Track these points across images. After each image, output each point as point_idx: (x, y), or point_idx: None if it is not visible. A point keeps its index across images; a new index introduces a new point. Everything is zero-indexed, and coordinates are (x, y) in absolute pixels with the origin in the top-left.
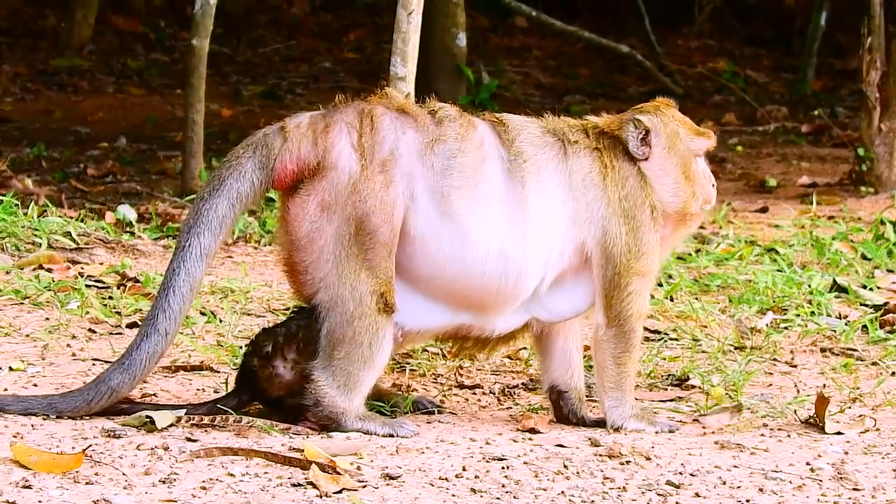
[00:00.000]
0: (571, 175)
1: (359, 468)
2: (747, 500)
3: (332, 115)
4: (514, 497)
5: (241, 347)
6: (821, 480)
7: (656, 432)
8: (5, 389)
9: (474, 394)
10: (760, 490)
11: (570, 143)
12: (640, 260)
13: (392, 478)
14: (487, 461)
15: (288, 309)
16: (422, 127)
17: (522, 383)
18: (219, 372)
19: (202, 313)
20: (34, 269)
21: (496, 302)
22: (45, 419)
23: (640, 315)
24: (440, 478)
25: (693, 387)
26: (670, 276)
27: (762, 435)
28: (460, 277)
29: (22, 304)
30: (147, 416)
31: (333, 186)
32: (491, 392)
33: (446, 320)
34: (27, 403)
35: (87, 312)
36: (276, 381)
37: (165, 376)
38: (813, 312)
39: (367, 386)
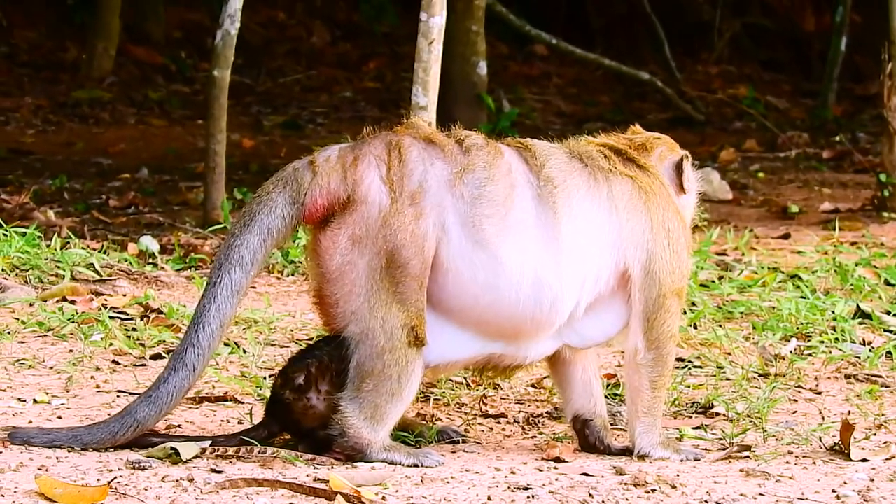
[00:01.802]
0: (613, 199)
1: (384, 498)
2: None
3: (361, 147)
4: None
5: (265, 378)
6: None
7: (681, 460)
8: (30, 422)
9: (499, 423)
10: None
11: (602, 168)
12: (682, 281)
13: None
14: (512, 490)
15: (311, 339)
16: (450, 157)
17: (547, 412)
18: (243, 403)
19: (226, 344)
20: (57, 302)
21: (530, 329)
22: (69, 451)
23: (676, 338)
24: None
25: (717, 414)
26: (694, 304)
27: (787, 462)
28: (494, 306)
29: (46, 336)
30: (172, 448)
31: (364, 220)
32: (515, 421)
33: (477, 350)
34: (52, 436)
35: (111, 344)
36: (310, 413)
37: (190, 408)
38: (837, 339)
39: (394, 418)
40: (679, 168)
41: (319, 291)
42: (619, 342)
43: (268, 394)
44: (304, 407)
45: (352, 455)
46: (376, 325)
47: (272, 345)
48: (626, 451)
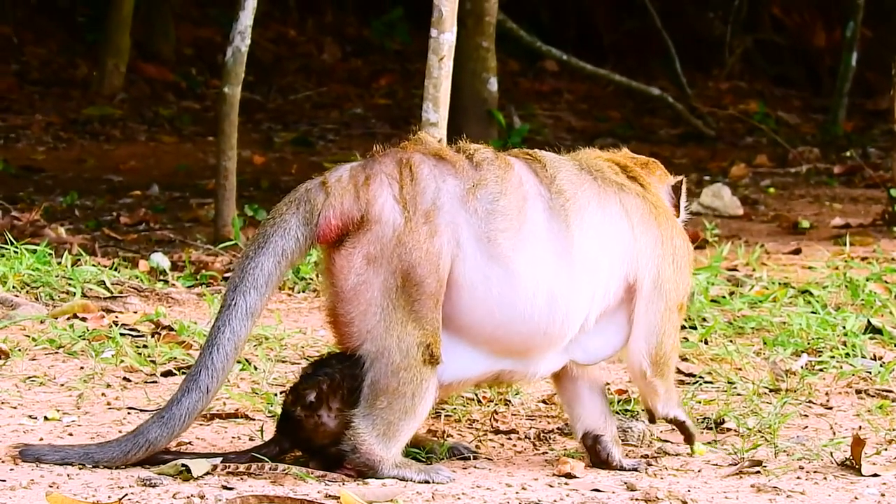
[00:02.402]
0: (626, 212)
1: None
2: None
3: (371, 166)
4: None
5: (276, 395)
6: None
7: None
8: (41, 439)
9: (510, 439)
10: None
11: (612, 181)
12: (685, 296)
13: None
14: None
15: (322, 356)
16: (461, 172)
17: (558, 428)
18: (254, 419)
19: (237, 361)
20: (68, 319)
21: (542, 344)
22: (80, 468)
23: (679, 348)
24: None
25: (728, 429)
26: (704, 319)
27: (798, 478)
28: (508, 321)
29: (56, 353)
30: (183, 465)
31: (378, 239)
32: (526, 437)
33: (489, 367)
34: (64, 453)
35: (122, 361)
36: (321, 430)
37: (201, 424)
38: (848, 354)
39: (406, 436)
40: (677, 191)
41: (333, 310)
42: (624, 357)
43: (279, 411)
44: (316, 424)
45: (363, 471)
46: (392, 344)
47: (283, 361)
48: (637, 468)
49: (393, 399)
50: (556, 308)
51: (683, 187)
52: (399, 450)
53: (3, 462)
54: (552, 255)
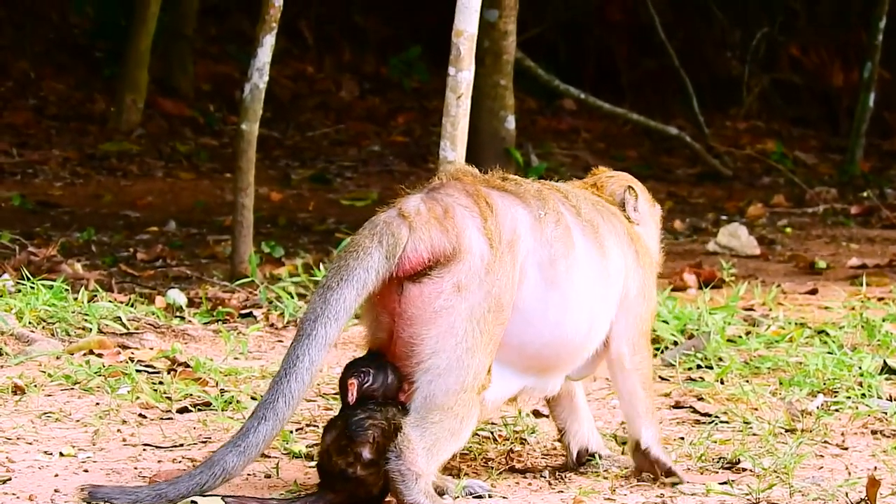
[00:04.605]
0: (618, 234)
1: None
2: None
3: (442, 198)
4: None
5: (291, 432)
6: None
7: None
8: (56, 475)
9: (525, 477)
10: None
11: (605, 206)
12: (655, 301)
13: None
14: None
15: (338, 394)
16: (526, 202)
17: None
18: (269, 457)
19: (253, 398)
20: (84, 355)
21: (572, 362)
22: None
23: (651, 356)
24: None
25: (744, 469)
26: (721, 359)
27: None
28: (554, 342)
29: (72, 389)
30: None
31: (468, 270)
32: (542, 476)
33: (517, 386)
34: (134, 495)
35: (138, 398)
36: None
37: None
38: (864, 394)
39: (447, 456)
40: (627, 200)
41: (397, 334)
42: (602, 373)
43: (294, 447)
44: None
45: (396, 479)
46: (470, 364)
47: None
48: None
49: (445, 418)
50: (593, 327)
51: (629, 195)
52: (437, 468)
53: None
54: (592, 276)
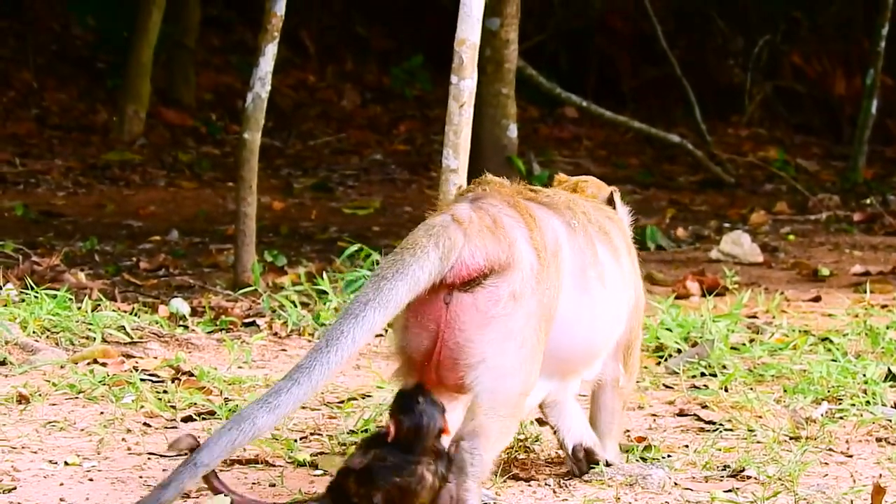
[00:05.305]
0: (625, 235)
1: None
2: None
3: (488, 208)
4: None
5: (295, 441)
6: None
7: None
8: (61, 484)
9: (529, 485)
10: None
11: (604, 212)
12: (643, 312)
13: None
14: None
15: (342, 402)
16: (558, 211)
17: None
18: (274, 466)
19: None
20: (88, 364)
21: (590, 367)
22: None
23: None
24: None
25: (749, 477)
26: (724, 367)
27: None
28: (582, 347)
29: (76, 398)
30: None
31: (521, 279)
32: (546, 484)
33: (545, 391)
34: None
35: (142, 406)
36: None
37: (221, 470)
38: (868, 402)
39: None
40: (612, 202)
41: (441, 342)
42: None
43: (298, 456)
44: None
45: (461, 468)
46: (530, 370)
47: (303, 407)
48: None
49: (505, 418)
50: (614, 332)
51: (616, 196)
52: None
53: None
54: (616, 282)
